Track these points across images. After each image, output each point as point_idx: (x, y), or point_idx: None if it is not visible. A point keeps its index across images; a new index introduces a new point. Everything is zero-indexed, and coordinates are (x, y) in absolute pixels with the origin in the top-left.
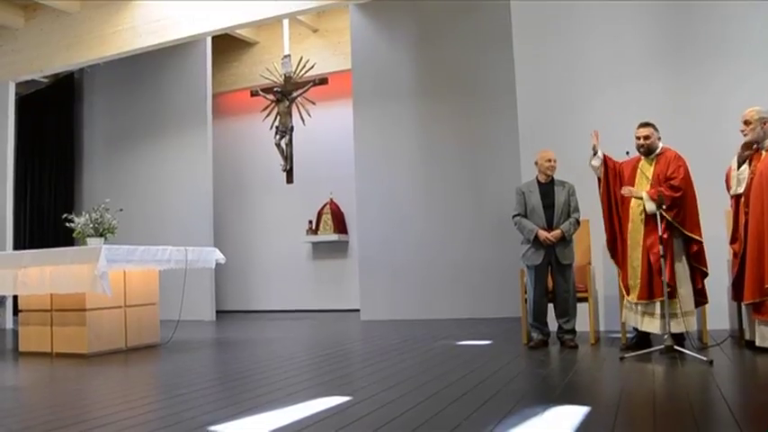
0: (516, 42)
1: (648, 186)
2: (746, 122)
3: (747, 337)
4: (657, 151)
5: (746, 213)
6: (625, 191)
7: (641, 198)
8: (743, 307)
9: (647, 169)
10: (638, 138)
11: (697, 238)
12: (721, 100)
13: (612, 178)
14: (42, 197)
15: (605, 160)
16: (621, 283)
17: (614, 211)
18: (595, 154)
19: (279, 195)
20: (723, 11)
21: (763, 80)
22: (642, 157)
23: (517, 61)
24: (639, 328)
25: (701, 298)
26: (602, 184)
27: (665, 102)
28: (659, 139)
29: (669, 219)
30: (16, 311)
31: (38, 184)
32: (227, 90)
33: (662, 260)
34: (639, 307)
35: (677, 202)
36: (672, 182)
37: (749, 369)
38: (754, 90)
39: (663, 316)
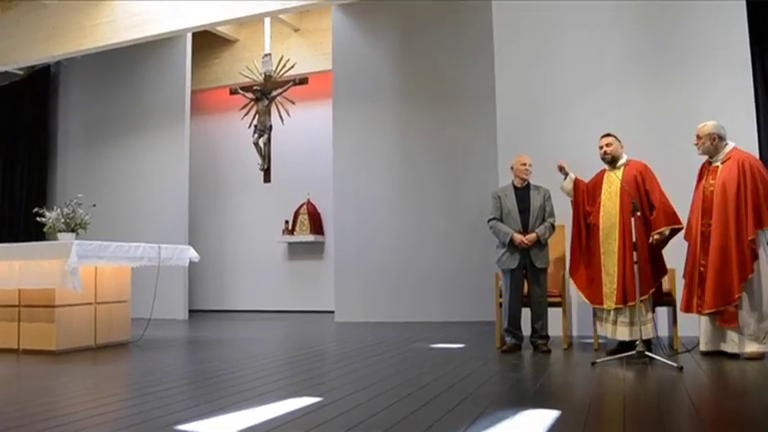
0: (497, 47)
1: (617, 197)
2: (697, 137)
3: (702, 347)
4: (623, 161)
5: (709, 226)
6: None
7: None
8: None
9: (613, 179)
10: (602, 147)
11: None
12: (690, 103)
13: (583, 199)
14: (14, 190)
15: (576, 183)
16: (585, 295)
17: (583, 231)
18: (566, 177)
19: (256, 194)
20: (696, 19)
21: (729, 85)
22: (606, 169)
23: (497, 66)
24: (610, 337)
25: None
26: (573, 205)
27: (642, 106)
28: (622, 148)
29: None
30: None
31: (9, 176)
32: (207, 87)
33: (635, 266)
34: (611, 316)
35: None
36: (652, 201)
37: (718, 375)
38: (720, 94)
39: (632, 323)
